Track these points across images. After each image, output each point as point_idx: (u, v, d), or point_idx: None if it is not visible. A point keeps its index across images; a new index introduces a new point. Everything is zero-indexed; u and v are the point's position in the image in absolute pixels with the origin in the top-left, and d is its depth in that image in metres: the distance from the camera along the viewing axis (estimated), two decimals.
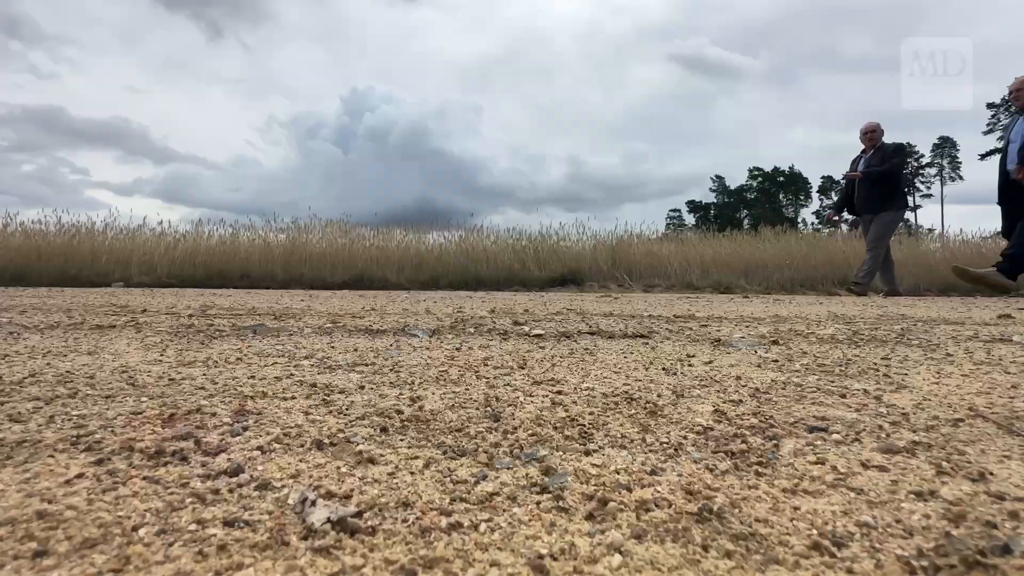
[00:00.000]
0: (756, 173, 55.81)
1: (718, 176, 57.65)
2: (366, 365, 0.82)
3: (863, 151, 4.79)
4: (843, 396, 0.64)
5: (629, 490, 0.38)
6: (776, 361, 0.89)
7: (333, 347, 0.99)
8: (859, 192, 4.82)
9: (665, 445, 0.47)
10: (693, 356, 0.94)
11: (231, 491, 0.36)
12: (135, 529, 0.31)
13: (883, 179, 4.74)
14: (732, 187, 57.34)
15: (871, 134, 4.77)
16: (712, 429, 0.51)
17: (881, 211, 4.70)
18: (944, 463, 0.43)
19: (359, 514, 0.33)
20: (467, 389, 0.66)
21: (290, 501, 0.35)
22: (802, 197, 55.16)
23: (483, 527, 0.32)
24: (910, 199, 48.82)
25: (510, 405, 0.59)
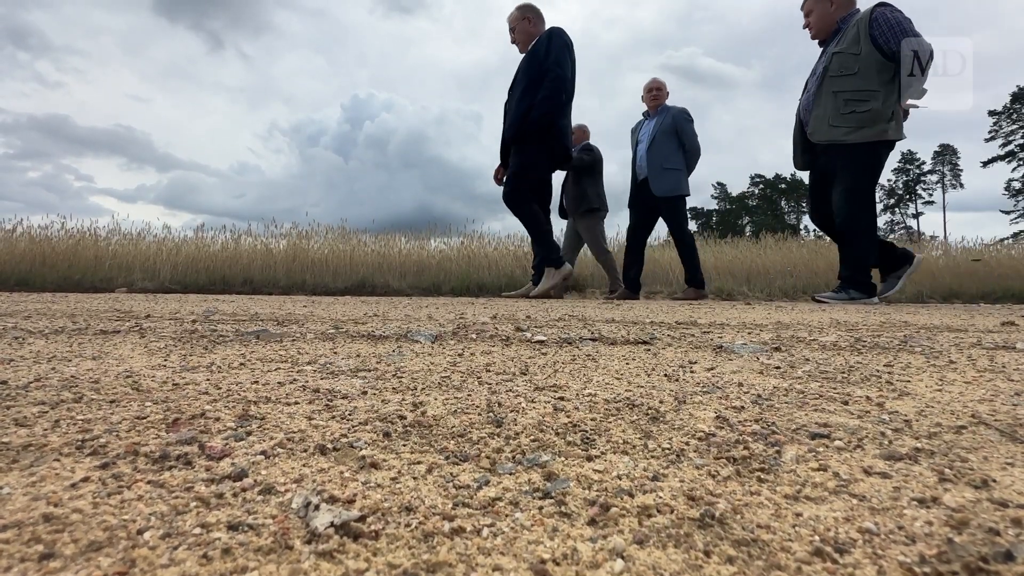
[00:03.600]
0: (758, 180, 55.97)
1: (720, 183, 57.75)
2: (369, 370, 0.82)
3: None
4: (845, 403, 0.64)
5: (631, 496, 0.38)
6: (778, 368, 0.89)
7: (336, 352, 1.00)
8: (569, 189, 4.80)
9: (667, 451, 0.47)
10: (695, 362, 0.94)
11: (235, 495, 0.37)
12: (140, 532, 0.31)
13: (579, 179, 4.71)
14: (734, 194, 57.46)
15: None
16: (714, 435, 0.51)
17: (585, 211, 4.73)
18: (947, 470, 0.43)
19: (362, 518, 0.33)
20: (469, 395, 0.66)
21: (294, 505, 0.35)
22: (804, 204, 55.20)
23: (485, 532, 0.33)
24: (912, 206, 48.77)
25: (512, 411, 0.59)
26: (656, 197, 4.22)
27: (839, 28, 3.32)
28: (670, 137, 4.22)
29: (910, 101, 3.31)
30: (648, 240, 4.52)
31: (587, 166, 4.73)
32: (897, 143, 3.28)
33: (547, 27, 3.74)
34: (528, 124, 3.55)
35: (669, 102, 4.38)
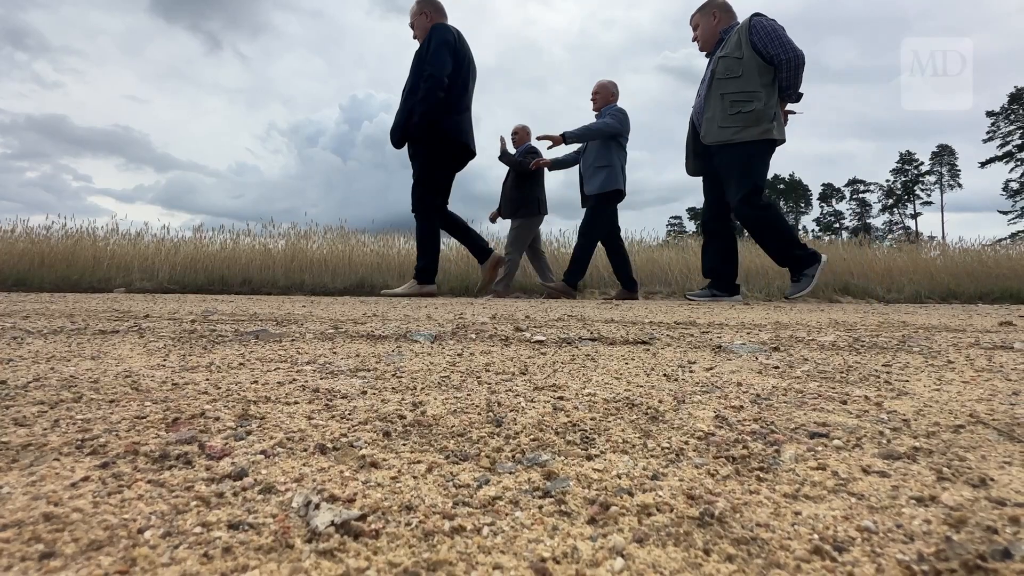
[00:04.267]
0: None
1: None
2: (368, 370, 0.82)
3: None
4: (844, 402, 0.65)
5: (631, 495, 0.38)
6: (777, 367, 0.90)
7: (335, 352, 1.00)
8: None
9: (666, 450, 0.47)
10: (694, 362, 0.94)
11: (235, 494, 0.37)
12: (140, 531, 0.32)
13: (519, 182, 4.65)
14: None
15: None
16: (713, 435, 0.51)
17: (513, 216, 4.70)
18: (945, 469, 0.43)
19: (363, 517, 0.34)
20: (469, 394, 0.66)
21: (294, 504, 0.35)
22: (802, 204, 55.31)
23: (486, 531, 0.33)
24: (910, 206, 48.83)
25: (512, 410, 0.59)
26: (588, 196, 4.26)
27: (722, 38, 3.54)
28: (604, 137, 4.22)
29: (789, 106, 3.50)
30: (622, 236, 4.46)
31: (529, 170, 4.63)
32: (779, 145, 3.43)
33: (443, 22, 3.73)
34: (411, 128, 3.58)
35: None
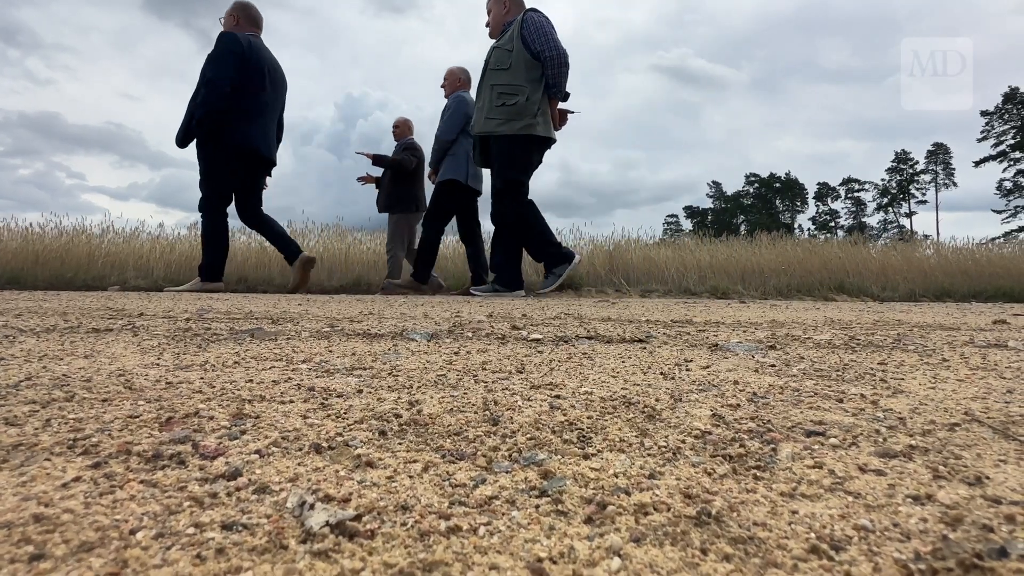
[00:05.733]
0: (753, 179, 56.17)
1: (715, 182, 58.01)
2: (364, 369, 0.82)
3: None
4: (840, 401, 0.65)
5: (628, 494, 0.38)
6: (773, 366, 0.90)
7: (331, 351, 0.99)
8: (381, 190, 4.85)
9: (663, 449, 0.47)
10: (691, 361, 0.94)
11: (229, 495, 0.36)
12: (132, 532, 0.31)
13: (397, 177, 4.67)
14: (729, 193, 57.68)
15: (395, 129, 4.68)
16: (710, 433, 0.51)
17: (390, 211, 4.72)
18: (941, 467, 0.43)
19: (358, 517, 0.33)
20: (465, 393, 0.66)
21: (288, 505, 0.35)
22: (799, 203, 55.48)
23: (482, 530, 0.32)
24: (904, 205, 49.05)
25: (508, 409, 0.59)
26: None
27: (506, 28, 3.55)
28: (450, 139, 4.18)
29: (562, 105, 3.53)
30: (445, 228, 4.31)
31: (411, 168, 4.57)
32: (552, 142, 3.46)
33: (250, 31, 3.79)
34: (193, 128, 3.64)
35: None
